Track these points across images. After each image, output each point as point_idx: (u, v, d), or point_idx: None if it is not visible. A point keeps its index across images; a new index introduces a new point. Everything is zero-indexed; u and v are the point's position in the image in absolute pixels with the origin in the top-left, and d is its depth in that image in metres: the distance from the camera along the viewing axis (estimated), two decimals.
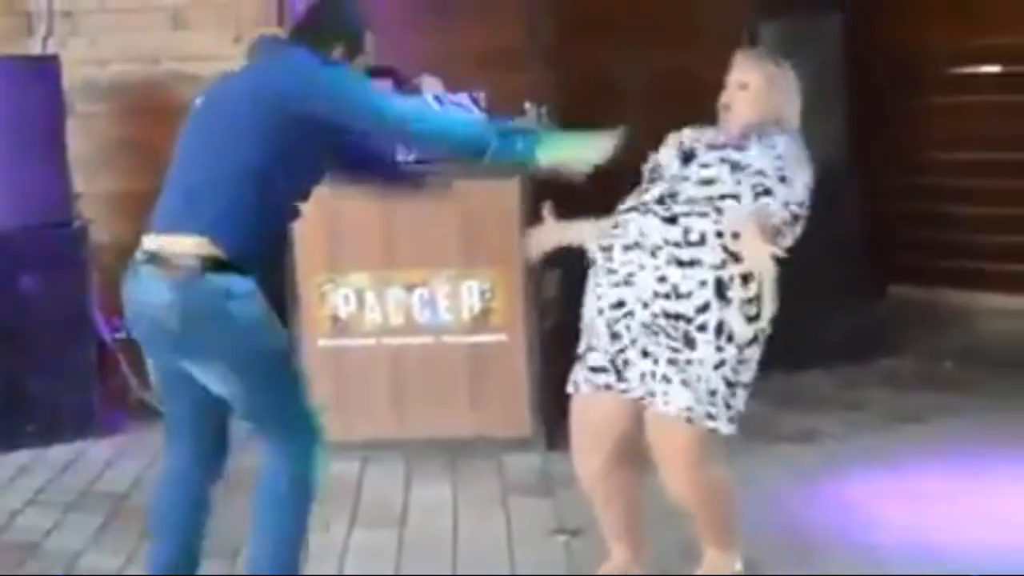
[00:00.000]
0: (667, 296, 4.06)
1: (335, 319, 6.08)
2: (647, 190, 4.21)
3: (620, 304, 4.14)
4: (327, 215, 5.84)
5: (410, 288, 6.04)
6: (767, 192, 4.02)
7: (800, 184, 4.11)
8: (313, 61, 4.02)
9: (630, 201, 4.23)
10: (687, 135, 4.34)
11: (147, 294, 3.93)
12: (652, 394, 4.11)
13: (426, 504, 5.51)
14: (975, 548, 4.72)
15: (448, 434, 6.01)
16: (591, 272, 4.27)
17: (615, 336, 4.15)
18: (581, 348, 4.29)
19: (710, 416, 4.09)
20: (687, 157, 4.22)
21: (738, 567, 4.34)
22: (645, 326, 4.09)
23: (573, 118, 7.17)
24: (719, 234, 4.03)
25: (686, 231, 4.06)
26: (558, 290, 6.26)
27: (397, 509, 5.46)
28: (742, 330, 4.08)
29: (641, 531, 4.44)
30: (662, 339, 4.07)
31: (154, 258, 3.94)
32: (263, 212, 3.94)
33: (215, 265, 3.86)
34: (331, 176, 4.17)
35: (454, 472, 5.82)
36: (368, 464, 5.92)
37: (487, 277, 6.00)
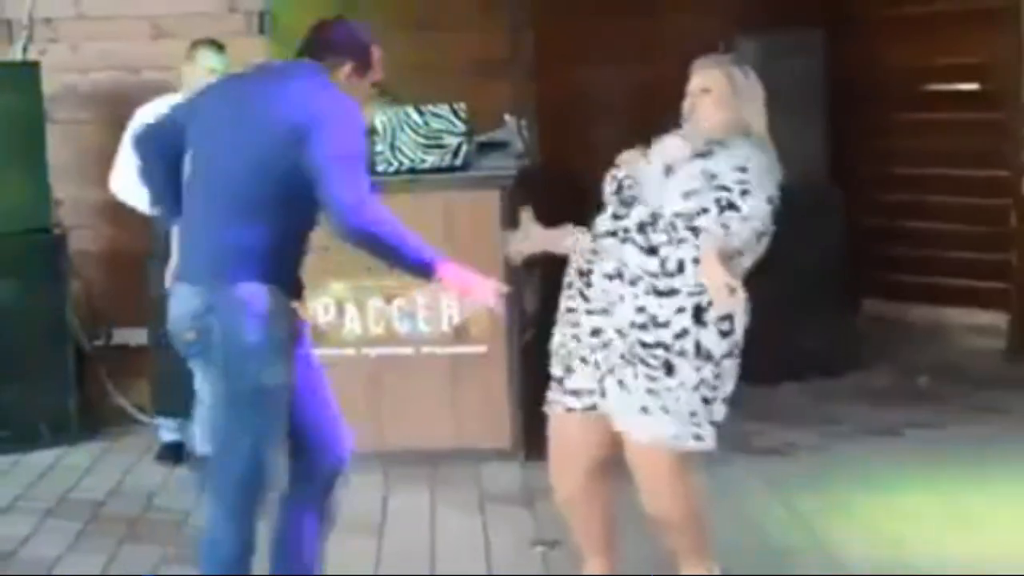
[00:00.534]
0: (644, 326, 4.08)
1: (314, 329, 6.06)
2: (625, 212, 4.18)
3: (596, 332, 4.16)
4: None
5: (389, 299, 6.06)
6: (731, 206, 4.01)
7: (763, 198, 4.06)
8: (334, 100, 3.95)
9: (606, 220, 4.21)
10: (663, 150, 4.27)
11: (180, 305, 3.99)
12: (631, 425, 4.13)
13: (405, 514, 5.52)
14: (949, 561, 4.75)
15: (427, 445, 6.03)
16: (565, 290, 4.27)
17: (596, 364, 4.18)
18: (557, 370, 4.30)
19: (696, 437, 4.12)
20: (668, 170, 4.19)
21: (716, 571, 4.37)
22: (622, 356, 4.12)
23: (553, 130, 7.29)
24: (696, 260, 4.00)
25: (664, 262, 4.07)
26: (538, 302, 6.28)
27: (376, 519, 5.47)
28: (717, 346, 4.10)
29: (616, 544, 4.45)
30: (640, 368, 4.09)
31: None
32: (267, 241, 3.93)
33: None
34: None
35: (433, 482, 5.83)
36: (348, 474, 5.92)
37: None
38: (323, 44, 4.08)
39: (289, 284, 4.00)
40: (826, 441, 6.25)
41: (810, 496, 5.48)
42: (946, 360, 7.56)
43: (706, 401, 4.12)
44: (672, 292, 4.06)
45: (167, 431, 6.34)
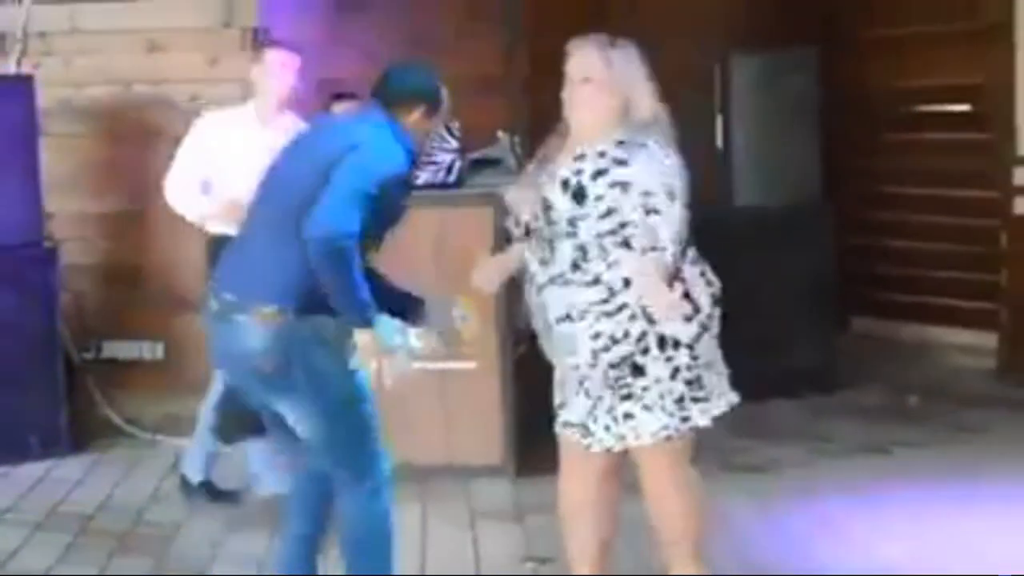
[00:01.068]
0: (606, 348, 4.11)
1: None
2: (551, 256, 4.12)
3: (576, 367, 4.20)
4: None
5: None
6: (655, 211, 3.99)
7: (681, 200, 4.02)
8: (375, 140, 4.11)
9: (538, 270, 4.17)
10: (557, 169, 4.14)
11: (243, 343, 4.08)
12: (622, 437, 4.17)
13: (396, 529, 5.51)
14: None
15: (418, 460, 6.01)
16: (540, 340, 4.31)
17: (587, 394, 4.21)
18: (558, 398, 4.34)
19: (685, 419, 4.15)
20: (578, 195, 4.08)
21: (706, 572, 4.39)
22: (602, 384, 4.16)
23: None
24: (655, 248, 4.00)
25: (610, 288, 4.08)
26: (528, 318, 6.28)
27: None
28: (684, 331, 4.11)
29: (608, 556, 4.47)
30: (615, 383, 4.14)
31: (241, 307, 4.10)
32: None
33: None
34: None
35: (424, 498, 5.83)
36: None
37: (458, 305, 6.01)
38: (397, 88, 4.27)
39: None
40: (813, 458, 6.27)
41: (796, 513, 5.50)
42: (935, 379, 7.59)
43: (690, 383, 4.14)
44: (621, 308, 4.08)
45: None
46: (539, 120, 7.31)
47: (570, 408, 4.27)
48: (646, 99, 4.13)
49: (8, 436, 6.46)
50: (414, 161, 4.25)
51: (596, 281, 4.09)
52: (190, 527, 5.65)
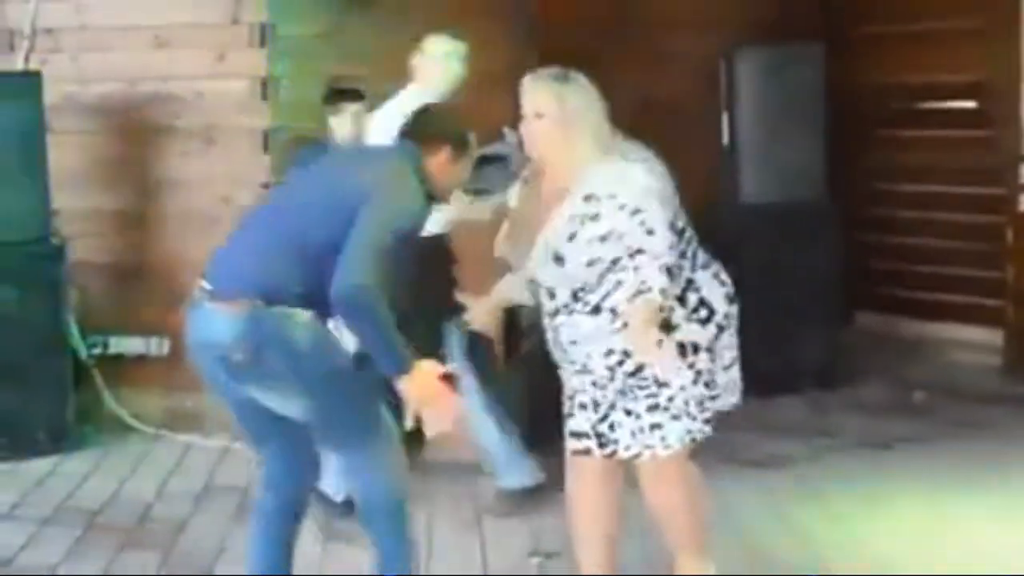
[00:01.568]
0: (621, 362, 4.15)
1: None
2: (552, 292, 4.20)
3: (594, 384, 4.23)
4: None
5: None
6: (639, 251, 4.00)
7: (662, 228, 3.99)
8: (395, 184, 4.12)
9: (546, 300, 4.23)
10: (540, 239, 4.17)
11: (212, 331, 4.09)
12: (649, 446, 4.19)
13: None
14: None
15: (424, 456, 6.02)
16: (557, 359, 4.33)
17: (596, 405, 4.24)
18: (566, 409, 4.36)
19: (706, 421, 4.20)
20: (558, 260, 4.14)
21: (712, 569, 4.41)
22: (618, 392, 4.19)
23: None
24: (640, 291, 3.99)
25: (612, 311, 4.11)
26: (534, 315, 6.29)
27: None
28: (701, 335, 4.15)
29: (616, 554, 4.48)
30: (637, 393, 4.17)
31: (215, 295, 4.11)
32: (313, 285, 4.05)
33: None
34: None
35: (429, 494, 5.84)
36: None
37: (464, 301, 6.02)
38: (425, 128, 4.30)
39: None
40: (818, 453, 6.27)
41: (802, 508, 5.51)
42: (940, 376, 7.58)
43: (708, 384, 4.19)
44: (627, 324, 4.08)
45: None
46: None
47: (579, 419, 4.30)
48: (600, 134, 4.14)
49: (15, 431, 6.48)
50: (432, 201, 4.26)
51: (597, 310, 4.13)
52: (197, 522, 5.66)
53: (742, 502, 5.52)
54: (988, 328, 7.78)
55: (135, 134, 7.27)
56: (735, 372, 4.28)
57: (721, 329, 4.19)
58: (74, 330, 6.86)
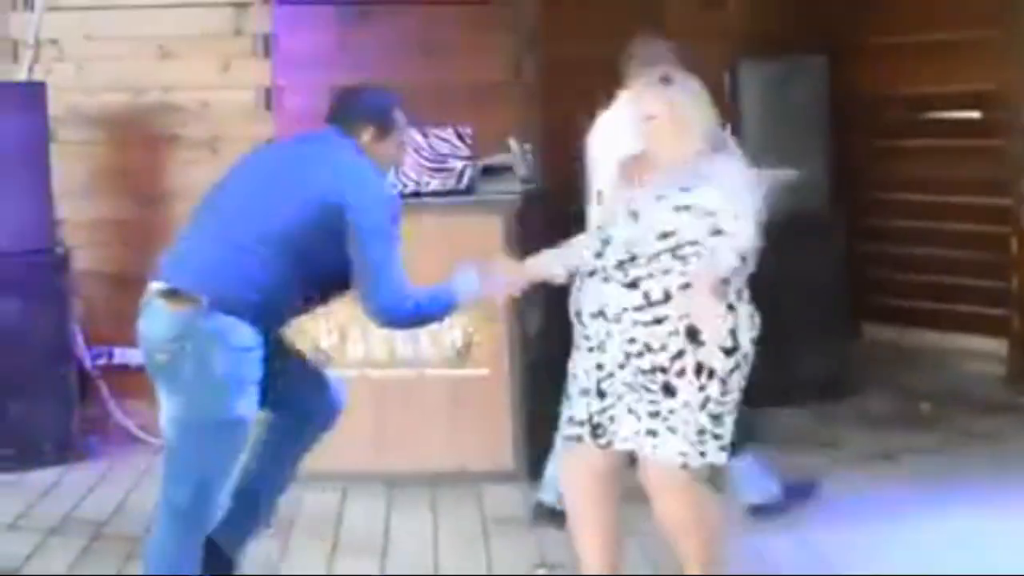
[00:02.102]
0: (640, 354, 4.12)
1: (316, 350, 6.08)
2: (603, 249, 4.21)
3: (600, 367, 4.21)
4: None
5: None
6: (719, 232, 4.04)
7: (751, 217, 4.08)
8: (366, 183, 4.17)
9: (590, 259, 4.23)
10: (622, 192, 4.29)
11: (150, 325, 4.12)
12: (642, 448, 4.17)
13: (407, 536, 5.52)
14: None
15: (429, 467, 6.04)
16: (573, 327, 4.31)
17: (601, 394, 4.22)
18: (567, 397, 4.35)
19: (703, 454, 4.16)
20: (635, 216, 4.19)
21: None
22: (626, 384, 4.17)
23: (557, 155, 7.30)
24: (685, 285, 4.03)
25: (647, 294, 4.10)
26: (540, 325, 6.30)
27: (378, 540, 5.47)
28: (722, 364, 4.13)
29: (618, 563, 4.47)
30: (643, 394, 4.14)
31: (167, 293, 4.11)
32: (270, 288, 4.08)
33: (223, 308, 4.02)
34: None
35: (435, 504, 5.84)
36: (349, 495, 5.94)
37: (470, 312, 6.04)
38: (346, 110, 4.32)
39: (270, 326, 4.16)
40: (823, 465, 6.26)
41: (808, 520, 5.50)
42: (946, 386, 7.57)
43: (716, 417, 4.15)
44: (660, 320, 4.09)
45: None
46: (550, 127, 7.42)
47: (578, 405, 4.27)
48: (710, 131, 4.25)
49: (21, 442, 6.47)
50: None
51: (634, 285, 4.11)
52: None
53: (748, 513, 5.51)
54: (993, 338, 7.78)
55: (139, 144, 7.29)
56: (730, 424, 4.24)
57: (738, 367, 4.17)
58: (79, 341, 6.86)
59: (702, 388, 4.12)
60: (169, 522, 4.17)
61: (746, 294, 4.22)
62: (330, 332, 6.09)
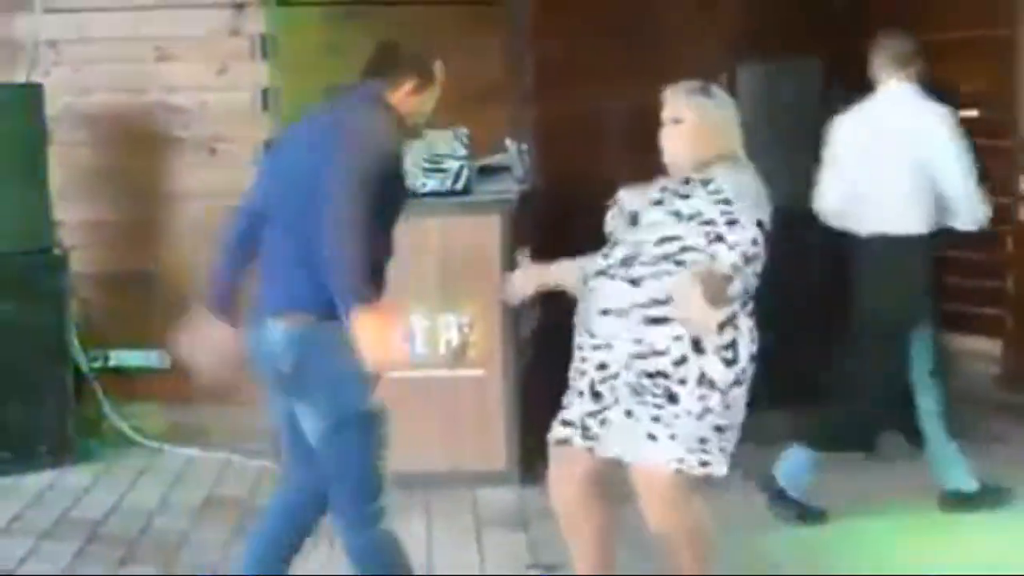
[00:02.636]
0: (644, 356, 4.13)
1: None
2: (610, 249, 4.26)
3: (603, 366, 4.21)
4: None
5: None
6: (719, 239, 4.06)
7: (752, 225, 4.09)
8: (353, 142, 3.99)
9: (599, 259, 4.28)
10: (625, 197, 4.34)
11: (266, 343, 4.08)
12: (635, 451, 4.17)
13: (401, 537, 5.52)
14: None
15: (423, 468, 6.03)
16: (576, 327, 4.32)
17: (597, 396, 4.22)
18: (564, 399, 4.35)
19: (703, 463, 4.16)
20: (633, 219, 4.24)
21: None
22: (629, 386, 4.17)
23: (551, 155, 7.32)
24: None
25: (650, 292, 4.11)
26: (535, 326, 6.31)
27: None
28: (722, 376, 4.14)
29: (612, 564, 4.48)
30: (647, 398, 4.14)
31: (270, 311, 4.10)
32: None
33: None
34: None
35: (429, 505, 5.85)
36: None
37: (466, 312, 6.05)
38: (389, 61, 4.24)
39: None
40: (823, 466, 6.24)
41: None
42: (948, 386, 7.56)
43: (719, 429, 4.16)
44: (665, 320, 4.10)
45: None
46: (546, 128, 7.43)
47: (573, 407, 4.28)
48: (733, 148, 4.32)
49: (17, 444, 6.48)
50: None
51: (636, 283, 4.13)
52: (198, 535, 5.66)
53: (744, 516, 5.51)
54: (987, 337, 7.77)
55: (137, 145, 7.28)
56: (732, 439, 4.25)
57: (738, 382, 4.18)
58: (75, 342, 6.86)
59: (703, 398, 4.13)
60: (354, 526, 4.16)
61: (750, 306, 4.22)
62: None
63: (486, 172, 6.60)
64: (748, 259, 4.06)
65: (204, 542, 5.58)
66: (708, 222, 4.09)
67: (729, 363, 4.15)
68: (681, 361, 4.10)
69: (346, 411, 4.05)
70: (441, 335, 6.07)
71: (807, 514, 5.56)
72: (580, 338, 4.29)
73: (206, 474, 6.45)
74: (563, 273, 4.43)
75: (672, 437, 4.12)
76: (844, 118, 5.78)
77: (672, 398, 4.11)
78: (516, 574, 5.13)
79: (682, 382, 4.11)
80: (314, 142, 4.07)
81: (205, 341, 4.20)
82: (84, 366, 6.98)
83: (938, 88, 5.91)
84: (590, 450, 4.25)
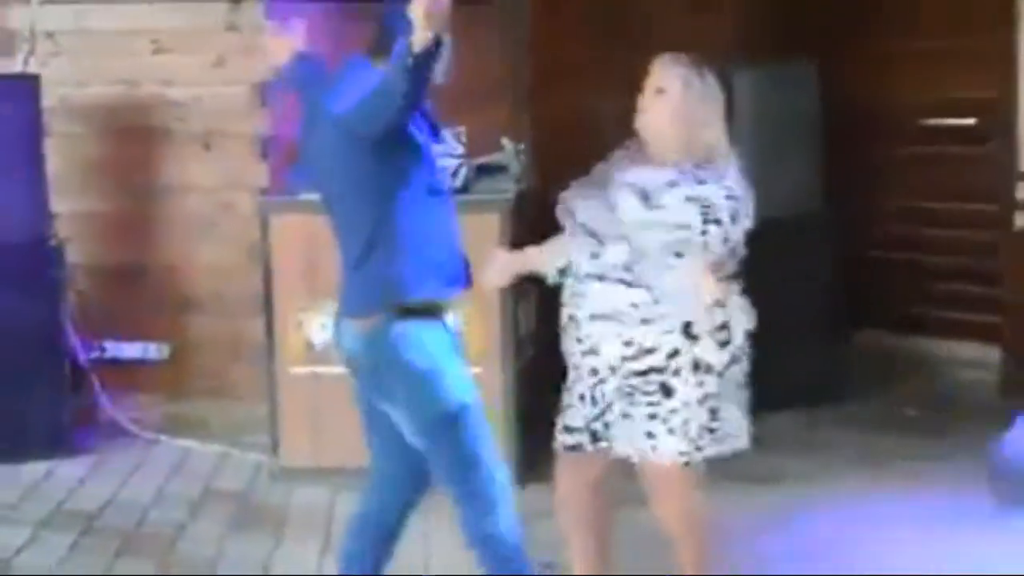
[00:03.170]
0: (634, 357, 4.12)
1: (309, 346, 6.11)
2: (601, 249, 4.15)
3: (594, 371, 4.20)
4: (304, 243, 5.91)
5: None
6: (716, 222, 4.03)
7: (746, 224, 4.13)
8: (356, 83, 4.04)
9: (585, 261, 4.18)
10: (625, 173, 4.18)
11: (346, 342, 4.11)
12: (641, 450, 4.18)
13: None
14: None
15: None
16: (562, 333, 4.30)
17: (593, 401, 4.23)
18: (563, 402, 4.36)
19: (699, 449, 4.16)
20: (645, 198, 4.09)
21: None
22: (618, 390, 4.17)
23: (549, 155, 7.32)
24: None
25: (652, 290, 4.09)
26: (533, 324, 6.31)
27: None
28: (718, 358, 4.14)
29: (612, 564, 4.49)
30: (638, 397, 4.14)
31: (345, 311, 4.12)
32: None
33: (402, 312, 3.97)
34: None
35: (427, 504, 5.82)
36: (340, 492, 5.93)
37: (463, 309, 6.04)
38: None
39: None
40: (814, 470, 6.28)
41: (797, 524, 5.52)
42: (936, 392, 7.60)
43: (713, 412, 4.16)
44: (659, 318, 4.09)
45: None
46: (543, 127, 7.44)
47: (574, 413, 4.28)
48: (721, 136, 4.19)
49: (12, 435, 6.47)
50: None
51: (641, 285, 4.08)
52: (194, 527, 5.67)
53: (738, 518, 5.52)
54: (985, 345, 7.80)
55: (133, 138, 7.29)
56: (741, 414, 4.26)
57: (734, 360, 4.18)
58: (72, 333, 6.86)
59: (700, 384, 4.12)
60: (472, 522, 4.20)
61: (737, 285, 4.21)
62: (323, 327, 6.09)
63: (484, 171, 6.60)
64: (731, 247, 4.10)
65: (201, 535, 5.58)
66: (708, 206, 4.03)
67: (723, 344, 4.14)
68: (673, 354, 4.10)
69: (432, 414, 4.02)
70: None
71: None
72: (568, 344, 4.27)
73: (203, 466, 6.45)
74: (538, 257, 4.40)
75: (670, 432, 4.13)
76: None
77: (667, 392, 4.11)
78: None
79: (676, 373, 4.10)
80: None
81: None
82: (80, 357, 6.97)
83: None
84: (601, 453, 4.26)
